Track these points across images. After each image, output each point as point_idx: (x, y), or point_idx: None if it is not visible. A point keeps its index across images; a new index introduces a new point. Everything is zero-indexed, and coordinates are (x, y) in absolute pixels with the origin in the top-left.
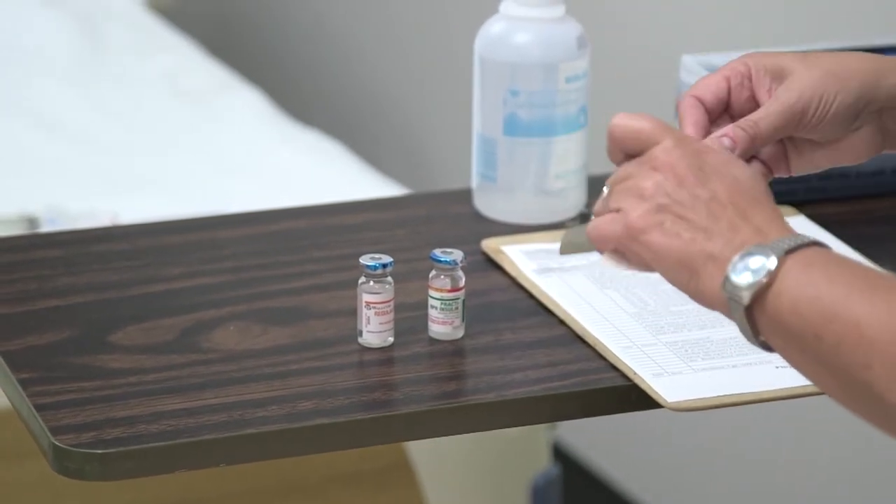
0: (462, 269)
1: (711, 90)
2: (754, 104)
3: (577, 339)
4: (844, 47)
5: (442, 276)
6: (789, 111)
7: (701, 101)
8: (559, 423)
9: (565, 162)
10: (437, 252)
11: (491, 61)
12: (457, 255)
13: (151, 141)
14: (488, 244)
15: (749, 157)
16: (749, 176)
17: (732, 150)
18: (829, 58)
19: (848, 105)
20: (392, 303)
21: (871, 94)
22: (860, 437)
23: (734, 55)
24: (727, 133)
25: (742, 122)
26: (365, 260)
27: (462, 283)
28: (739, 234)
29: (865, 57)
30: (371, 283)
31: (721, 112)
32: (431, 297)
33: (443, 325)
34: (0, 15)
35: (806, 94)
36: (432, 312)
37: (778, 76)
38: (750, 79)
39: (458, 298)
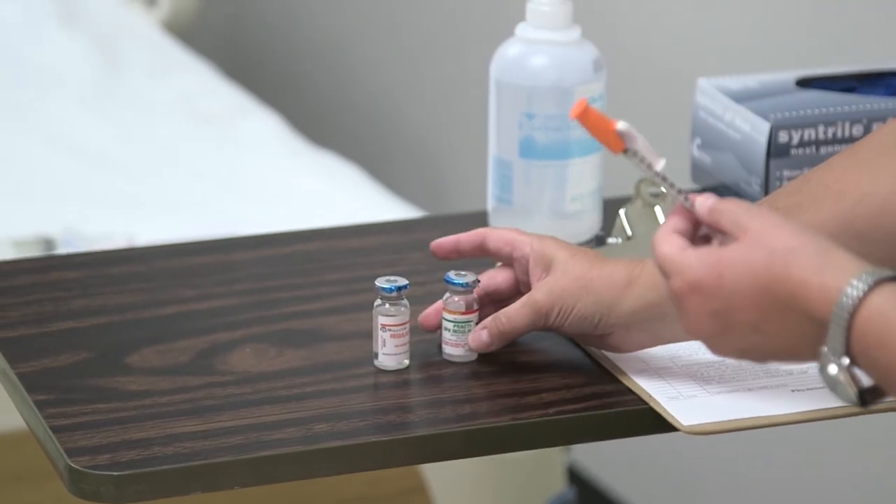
0: (476, 291)
1: (505, 283)
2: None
3: (592, 362)
4: (859, 71)
5: (456, 299)
6: (536, 312)
7: (498, 291)
8: (574, 446)
9: (581, 185)
10: (451, 274)
11: (507, 84)
12: (470, 277)
13: (168, 163)
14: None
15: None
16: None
17: (489, 343)
18: (589, 265)
19: (584, 315)
20: (407, 325)
21: (606, 311)
22: (877, 460)
23: (750, 78)
24: (485, 325)
25: (498, 315)
26: (380, 282)
27: (476, 305)
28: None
29: (622, 271)
30: (386, 305)
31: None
32: (445, 318)
33: (456, 346)
34: (18, 36)
35: (551, 298)
36: (446, 334)
37: (547, 268)
38: (526, 261)
39: (471, 321)
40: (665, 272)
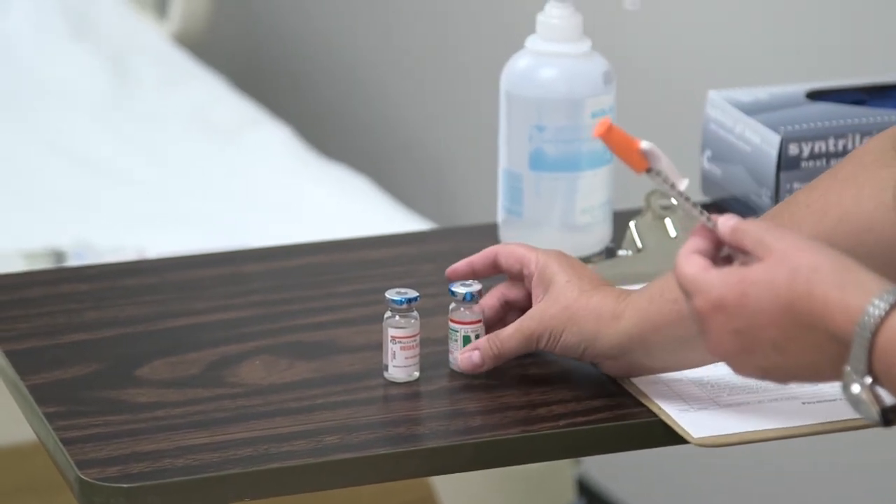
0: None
1: (522, 294)
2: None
3: (602, 375)
4: (869, 84)
5: (461, 309)
6: (527, 338)
7: (517, 301)
8: (584, 458)
9: (591, 197)
10: (455, 285)
11: (517, 96)
12: (474, 287)
13: (178, 175)
14: None
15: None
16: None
17: (481, 364)
18: (578, 294)
19: (568, 345)
20: (418, 337)
21: (590, 343)
22: (888, 472)
23: (760, 91)
24: (478, 346)
25: (492, 337)
26: (391, 294)
27: (481, 315)
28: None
29: (608, 304)
30: (397, 317)
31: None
32: (451, 329)
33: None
34: (29, 50)
35: (541, 325)
36: (452, 345)
37: (545, 290)
38: (532, 278)
39: (477, 331)
40: (687, 292)
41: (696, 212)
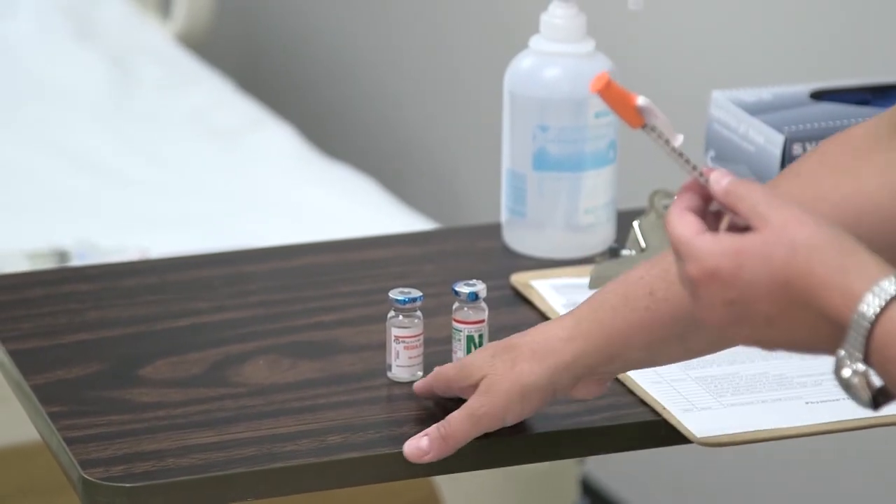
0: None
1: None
2: None
3: None
4: (873, 83)
5: (465, 308)
6: (477, 423)
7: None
8: (588, 458)
9: (594, 197)
10: (459, 285)
11: (520, 96)
12: (479, 287)
13: (181, 176)
14: (517, 279)
15: None
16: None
17: (427, 451)
18: (505, 369)
19: (533, 409)
20: (421, 337)
21: (549, 396)
22: (892, 473)
23: (764, 91)
24: (427, 433)
25: (441, 423)
26: (394, 294)
27: (485, 315)
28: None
29: (541, 343)
30: (400, 317)
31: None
32: (455, 329)
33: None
34: (32, 52)
35: (494, 407)
36: (456, 345)
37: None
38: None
39: (480, 331)
40: (680, 255)
41: (689, 167)
